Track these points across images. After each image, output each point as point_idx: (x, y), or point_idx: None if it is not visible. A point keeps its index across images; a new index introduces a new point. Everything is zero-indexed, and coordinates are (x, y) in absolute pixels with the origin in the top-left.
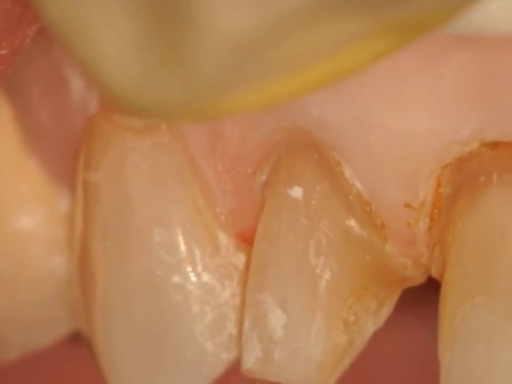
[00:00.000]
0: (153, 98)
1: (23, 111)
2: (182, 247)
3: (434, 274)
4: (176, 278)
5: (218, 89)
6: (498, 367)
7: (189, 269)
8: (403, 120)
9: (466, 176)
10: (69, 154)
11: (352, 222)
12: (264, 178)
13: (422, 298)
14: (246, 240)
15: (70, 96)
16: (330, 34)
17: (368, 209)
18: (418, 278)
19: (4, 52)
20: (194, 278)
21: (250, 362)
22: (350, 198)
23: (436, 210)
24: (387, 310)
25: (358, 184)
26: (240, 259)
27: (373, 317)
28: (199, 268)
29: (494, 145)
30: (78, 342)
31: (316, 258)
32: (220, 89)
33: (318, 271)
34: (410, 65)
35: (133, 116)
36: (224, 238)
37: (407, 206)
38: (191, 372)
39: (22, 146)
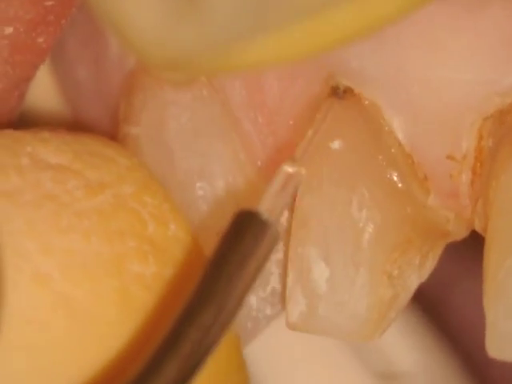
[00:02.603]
0: (172, 46)
1: (61, 66)
2: (224, 201)
3: (477, 227)
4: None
5: (234, 35)
6: None
7: None
8: (444, 71)
9: (507, 128)
10: (108, 109)
11: (394, 175)
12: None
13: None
14: None
15: (107, 50)
16: None
17: (410, 161)
18: (460, 232)
19: (50, 3)
20: None
21: (294, 317)
22: (392, 150)
23: (478, 164)
24: (430, 264)
25: (399, 136)
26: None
27: (416, 271)
28: None
29: None
30: None
31: (358, 211)
32: (237, 35)
33: (360, 224)
34: (450, 16)
35: (156, 69)
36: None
37: (450, 157)
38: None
39: (61, 101)
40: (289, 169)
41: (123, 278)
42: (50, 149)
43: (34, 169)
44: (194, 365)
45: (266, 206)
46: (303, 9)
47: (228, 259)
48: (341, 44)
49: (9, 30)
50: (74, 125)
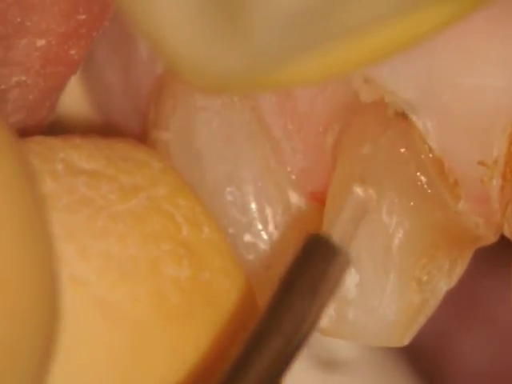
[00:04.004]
0: (212, 66)
1: (91, 71)
2: (254, 206)
3: (507, 232)
4: (248, 237)
5: (276, 56)
6: None
7: (260, 228)
8: (475, 78)
9: None
10: (137, 114)
11: (424, 180)
12: (335, 136)
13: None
14: (318, 200)
15: (137, 55)
16: None
17: (440, 166)
18: (490, 238)
19: (83, 17)
20: (265, 237)
21: (323, 322)
22: (422, 155)
23: (508, 169)
24: (460, 269)
25: (430, 141)
26: (312, 219)
27: (446, 276)
28: (270, 227)
29: None
30: None
31: (388, 217)
32: (278, 56)
33: (390, 230)
34: (482, 23)
35: (194, 87)
36: (295, 198)
37: (481, 163)
38: None
39: (90, 106)
40: (360, 192)
41: (159, 282)
42: (83, 155)
43: (68, 174)
44: None
45: (337, 231)
46: (345, 29)
47: (299, 285)
48: (381, 61)
49: (41, 42)
50: (105, 130)
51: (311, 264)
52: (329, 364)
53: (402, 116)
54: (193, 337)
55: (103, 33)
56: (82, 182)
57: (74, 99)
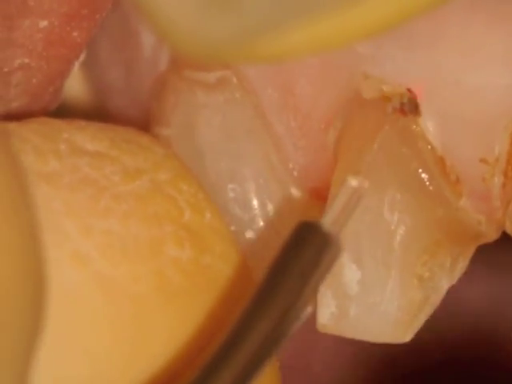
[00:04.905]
0: (205, 34)
1: (93, 67)
2: (255, 203)
3: (508, 229)
4: (250, 234)
5: (265, 22)
6: None
7: (262, 224)
8: (477, 75)
9: None
10: (139, 110)
11: (426, 178)
12: (337, 133)
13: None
14: (320, 196)
15: (140, 52)
16: None
17: (442, 164)
18: (491, 235)
19: (85, 12)
20: (267, 234)
21: (325, 318)
22: (424, 153)
23: (510, 167)
24: (461, 266)
25: (432, 139)
26: (314, 215)
27: (447, 273)
28: (272, 224)
29: None
30: None
31: (390, 214)
32: (268, 22)
33: (392, 227)
34: (485, 21)
35: (190, 57)
36: (297, 194)
37: (483, 161)
38: None
39: (90, 102)
40: (353, 182)
41: (160, 261)
42: (87, 136)
43: (71, 154)
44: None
45: (329, 219)
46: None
47: (289, 271)
48: (371, 36)
49: (43, 23)
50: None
51: (302, 250)
52: None
53: (404, 113)
54: (191, 317)
55: (107, 29)
56: (85, 162)
57: (76, 95)
